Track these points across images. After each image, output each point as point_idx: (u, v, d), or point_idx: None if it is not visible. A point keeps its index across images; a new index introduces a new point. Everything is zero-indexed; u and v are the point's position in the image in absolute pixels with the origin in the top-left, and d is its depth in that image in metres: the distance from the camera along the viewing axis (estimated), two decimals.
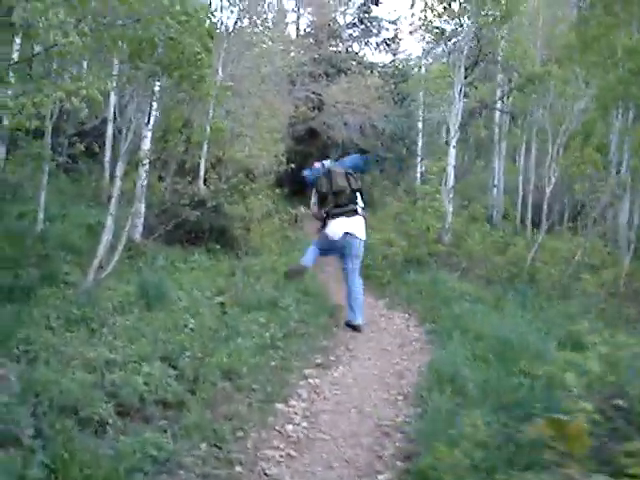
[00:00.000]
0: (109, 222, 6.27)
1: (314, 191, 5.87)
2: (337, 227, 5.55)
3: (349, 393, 3.89)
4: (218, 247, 8.12)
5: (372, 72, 18.55)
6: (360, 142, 15.95)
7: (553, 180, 7.89)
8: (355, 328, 5.47)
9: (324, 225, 5.69)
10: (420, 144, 18.29)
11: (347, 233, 5.51)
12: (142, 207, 7.77)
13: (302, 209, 13.08)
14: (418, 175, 18.14)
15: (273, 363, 4.17)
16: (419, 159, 18.49)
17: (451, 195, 9.20)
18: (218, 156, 9.81)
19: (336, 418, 3.43)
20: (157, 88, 7.37)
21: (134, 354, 3.65)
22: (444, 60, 13.97)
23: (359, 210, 5.62)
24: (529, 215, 12.79)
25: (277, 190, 12.42)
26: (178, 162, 9.66)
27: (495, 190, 15.65)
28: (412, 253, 7.71)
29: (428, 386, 3.72)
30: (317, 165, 6.02)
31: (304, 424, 3.30)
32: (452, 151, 9.28)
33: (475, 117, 10.62)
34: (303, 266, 5.83)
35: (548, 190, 7.90)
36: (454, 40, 9.16)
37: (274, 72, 16.33)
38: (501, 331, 4.66)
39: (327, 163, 6.01)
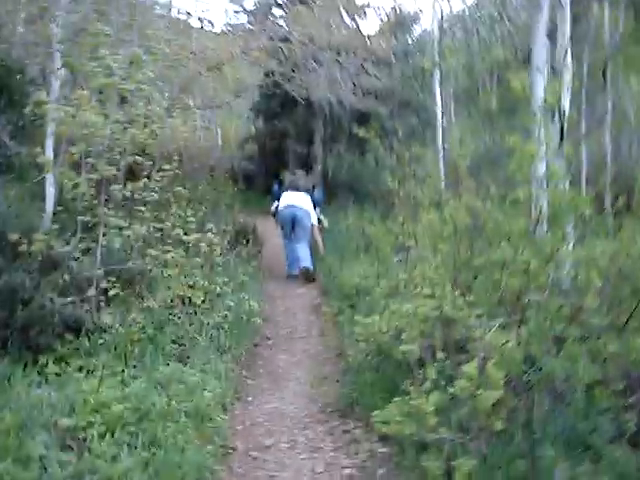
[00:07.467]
0: None
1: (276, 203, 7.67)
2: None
3: None
4: None
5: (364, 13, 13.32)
6: (357, 106, 10.68)
7: None
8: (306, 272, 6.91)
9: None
10: (439, 105, 12.93)
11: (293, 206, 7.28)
12: None
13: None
14: (440, 153, 12.87)
15: None
16: (440, 130, 13.20)
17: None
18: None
19: None
20: None
21: None
22: None
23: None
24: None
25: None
26: None
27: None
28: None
29: None
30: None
31: None
32: (566, 77, 4.18)
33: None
34: (295, 275, 7.06)
35: None
36: None
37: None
38: None
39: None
